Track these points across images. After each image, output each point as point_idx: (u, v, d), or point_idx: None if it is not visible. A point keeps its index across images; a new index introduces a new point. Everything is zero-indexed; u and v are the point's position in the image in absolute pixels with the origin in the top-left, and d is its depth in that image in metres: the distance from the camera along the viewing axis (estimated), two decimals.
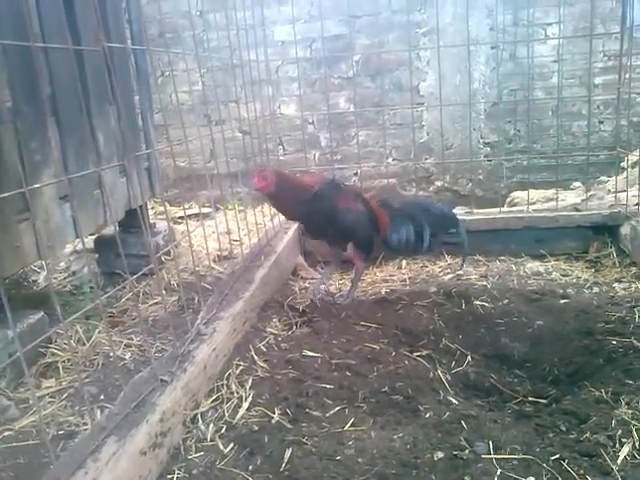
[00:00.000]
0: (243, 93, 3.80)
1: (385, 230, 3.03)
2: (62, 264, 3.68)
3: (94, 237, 3.47)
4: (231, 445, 1.89)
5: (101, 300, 1.77)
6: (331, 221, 2.87)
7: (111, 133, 3.08)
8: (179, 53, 4.59)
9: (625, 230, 3.40)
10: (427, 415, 2.01)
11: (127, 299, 3.06)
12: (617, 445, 1.73)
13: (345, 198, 2.92)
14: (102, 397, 2.23)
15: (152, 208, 4.79)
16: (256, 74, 3.87)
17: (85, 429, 1.94)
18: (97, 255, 3.43)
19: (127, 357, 2.50)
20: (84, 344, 2.61)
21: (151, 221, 3.68)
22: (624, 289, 2.97)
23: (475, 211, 3.87)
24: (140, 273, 2.08)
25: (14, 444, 1.97)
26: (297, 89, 5.15)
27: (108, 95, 3.01)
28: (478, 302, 2.90)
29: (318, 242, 3.32)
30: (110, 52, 2.00)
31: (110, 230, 3.30)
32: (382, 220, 3.04)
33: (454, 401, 2.10)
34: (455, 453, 1.78)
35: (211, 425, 1.99)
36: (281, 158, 5.31)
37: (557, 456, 1.71)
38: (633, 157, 3.99)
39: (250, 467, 1.79)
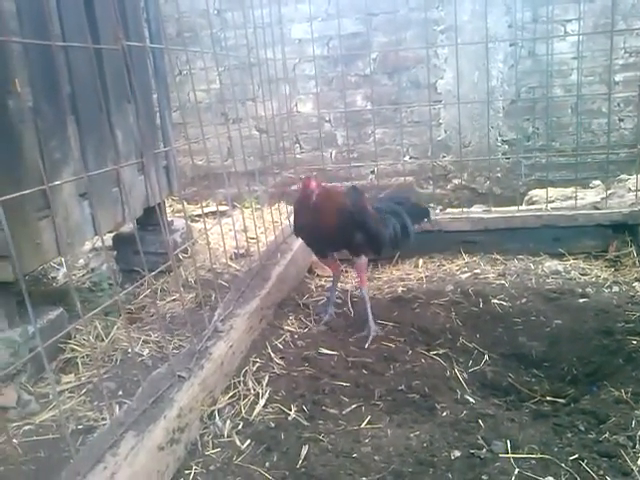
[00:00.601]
0: (260, 91, 3.81)
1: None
2: (81, 261, 3.73)
3: (112, 234, 3.50)
4: (248, 441, 1.90)
5: (119, 297, 1.79)
6: (362, 228, 2.68)
7: (129, 131, 3.11)
8: (197, 52, 4.60)
9: None
10: (444, 414, 2.01)
11: (145, 296, 3.09)
12: (637, 446, 1.71)
13: (367, 204, 2.79)
14: (120, 393, 2.25)
15: (170, 206, 4.82)
16: (273, 72, 3.88)
17: (104, 424, 1.96)
18: (115, 252, 3.46)
19: (145, 353, 2.52)
20: (103, 340, 2.64)
21: (169, 219, 3.70)
22: None
23: (493, 209, 3.84)
24: (158, 270, 2.10)
25: (34, 438, 2.00)
26: (314, 87, 5.15)
27: (127, 93, 3.04)
28: (496, 301, 2.88)
29: (322, 260, 3.10)
30: (129, 51, 2.02)
31: (128, 228, 3.33)
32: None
33: (471, 400, 2.10)
34: (472, 452, 1.77)
35: (228, 421, 2.00)
36: (298, 156, 5.31)
37: (576, 456, 1.70)
38: None
39: (267, 463, 1.80)
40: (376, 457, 1.79)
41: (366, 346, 2.54)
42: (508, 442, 1.79)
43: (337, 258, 3.00)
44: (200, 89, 5.01)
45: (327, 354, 2.48)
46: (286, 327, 2.74)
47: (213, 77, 4.78)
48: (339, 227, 2.61)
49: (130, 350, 2.50)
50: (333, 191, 2.80)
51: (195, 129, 2.55)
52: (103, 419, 2.05)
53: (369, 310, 2.70)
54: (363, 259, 2.79)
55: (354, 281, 3.41)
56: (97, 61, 2.79)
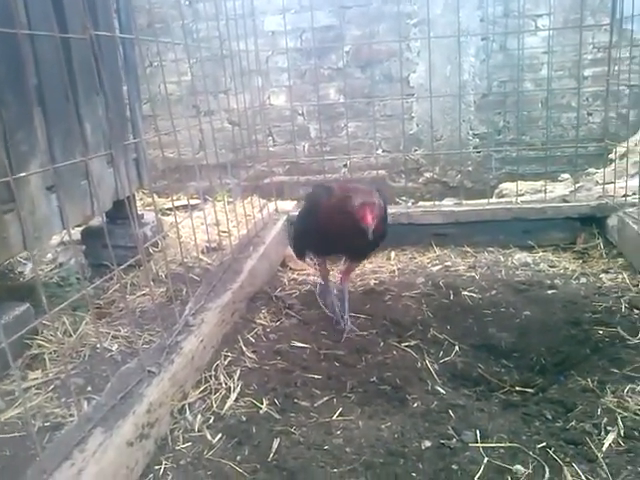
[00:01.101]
0: (232, 84, 3.78)
1: None
2: (49, 255, 3.66)
3: (81, 228, 3.44)
4: (219, 435, 1.89)
5: (87, 291, 1.76)
6: (382, 237, 2.46)
7: (98, 123, 3.05)
8: (168, 43, 4.55)
9: (612, 221, 3.42)
10: (415, 405, 2.02)
11: (115, 290, 3.04)
12: (602, 433, 1.74)
13: None
14: (89, 388, 2.21)
15: (140, 199, 4.76)
16: (246, 65, 3.86)
17: (71, 421, 1.93)
18: (84, 246, 3.40)
19: (114, 349, 2.49)
20: (71, 336, 2.59)
21: (139, 212, 3.65)
22: (611, 280, 2.98)
23: (464, 202, 3.88)
24: (127, 264, 2.07)
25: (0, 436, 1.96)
26: (287, 80, 5.14)
27: (96, 85, 2.98)
28: (466, 293, 2.91)
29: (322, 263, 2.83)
30: (97, 41, 1.99)
31: (98, 221, 3.27)
32: None
33: (442, 391, 2.11)
34: (442, 442, 1.79)
35: (199, 416, 1.99)
36: (270, 149, 5.29)
37: (543, 444, 1.73)
38: (621, 149, 4.01)
39: (238, 457, 1.79)
40: (347, 449, 1.79)
41: (342, 340, 2.51)
42: (478, 432, 1.81)
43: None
44: (171, 81, 4.94)
45: (299, 347, 2.48)
46: (258, 321, 2.73)
47: (184, 69, 4.72)
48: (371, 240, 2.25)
49: (99, 345, 2.46)
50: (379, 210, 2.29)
51: (166, 121, 2.51)
52: (71, 416, 2.01)
53: (347, 307, 2.67)
54: (356, 264, 2.72)
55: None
56: (65, 51, 2.71)
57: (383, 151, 5.47)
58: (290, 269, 3.50)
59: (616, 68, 4.12)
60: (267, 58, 5.34)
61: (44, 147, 2.64)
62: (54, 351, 2.46)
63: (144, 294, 3.00)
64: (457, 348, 2.43)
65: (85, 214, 2.97)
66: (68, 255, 3.54)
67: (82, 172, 2.88)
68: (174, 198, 4.71)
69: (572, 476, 1.58)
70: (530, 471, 1.62)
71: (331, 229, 2.35)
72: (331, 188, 2.50)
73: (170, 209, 4.45)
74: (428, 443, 1.79)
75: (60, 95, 2.69)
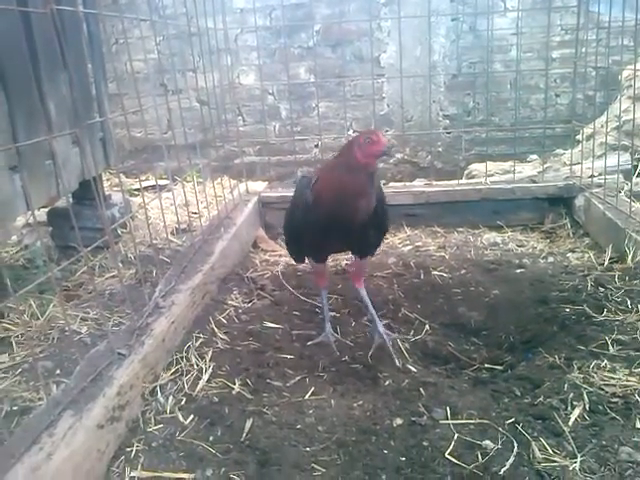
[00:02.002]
0: (201, 62, 3.71)
1: None
2: (14, 237, 3.57)
3: (47, 209, 3.36)
4: (191, 417, 1.88)
5: (54, 273, 1.72)
6: (382, 224, 2.31)
7: (63, 102, 2.96)
8: (133, 19, 4.43)
9: (579, 202, 3.48)
10: (386, 383, 2.04)
11: (83, 272, 2.99)
12: (569, 408, 1.79)
13: None
14: (58, 372, 2.18)
15: (108, 180, 4.66)
16: (214, 43, 3.78)
17: (40, 404, 1.90)
18: (50, 228, 3.33)
19: (83, 331, 2.45)
20: (38, 319, 2.54)
21: (107, 193, 3.58)
22: (577, 259, 3.05)
23: (434, 183, 3.90)
24: (94, 245, 2.03)
25: None
26: (256, 59, 5.07)
27: (59, 62, 2.89)
28: (436, 272, 2.94)
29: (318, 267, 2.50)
30: (60, 16, 1.92)
31: (64, 202, 3.20)
32: None
33: (413, 369, 2.14)
34: (414, 419, 1.81)
35: (170, 397, 1.97)
36: (241, 129, 5.23)
37: (512, 420, 1.76)
38: (588, 130, 4.07)
39: (210, 438, 1.79)
40: (320, 427, 1.80)
41: (391, 344, 2.26)
42: (448, 409, 1.84)
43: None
44: (137, 59, 4.83)
45: (272, 328, 2.48)
46: (230, 302, 2.72)
47: (151, 47, 4.62)
48: (367, 220, 2.09)
49: (67, 328, 2.42)
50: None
51: (133, 100, 2.46)
52: (39, 399, 1.98)
53: (374, 312, 2.36)
54: (368, 259, 2.44)
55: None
56: (25, 26, 2.63)
57: (354, 131, 5.45)
58: (262, 250, 3.48)
59: (583, 50, 4.17)
60: (236, 36, 5.25)
61: (5, 126, 2.55)
62: (21, 334, 2.42)
63: (113, 276, 2.96)
64: (427, 327, 2.46)
65: (50, 195, 2.89)
66: (34, 237, 3.46)
67: (46, 152, 2.80)
68: (142, 178, 4.64)
69: (540, 450, 1.62)
70: (499, 446, 1.65)
71: (328, 210, 2.09)
72: (311, 174, 2.30)
73: (138, 190, 4.38)
74: (399, 421, 1.82)
75: (22, 72, 2.60)
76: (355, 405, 1.91)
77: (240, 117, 5.43)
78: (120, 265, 3.05)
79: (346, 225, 2.10)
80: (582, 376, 1.93)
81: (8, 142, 2.49)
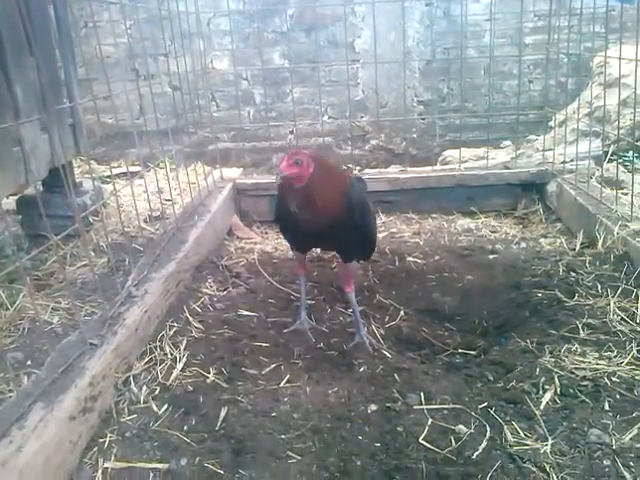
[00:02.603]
0: (173, 46, 3.65)
1: None
2: None
3: (16, 197, 3.29)
4: (165, 406, 1.87)
5: (22, 263, 1.69)
6: (361, 230, 2.19)
7: (30, 87, 2.89)
8: (103, 2, 4.33)
9: (551, 187, 3.52)
10: (361, 369, 2.05)
11: (54, 261, 2.94)
12: (540, 392, 1.82)
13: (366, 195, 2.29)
14: (28, 363, 2.14)
15: (78, 167, 4.58)
16: (186, 27, 3.71)
17: (10, 396, 1.87)
18: (20, 216, 3.26)
19: (55, 321, 2.41)
20: (8, 309, 2.49)
21: (77, 180, 3.52)
22: (549, 244, 3.09)
23: (409, 169, 3.91)
24: (64, 234, 1.99)
25: None
26: (230, 43, 5.00)
27: (26, 47, 2.82)
28: (411, 259, 2.95)
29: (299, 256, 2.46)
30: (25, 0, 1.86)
31: (34, 190, 3.13)
32: None
33: (387, 355, 2.15)
34: (388, 405, 1.83)
35: (144, 387, 1.96)
36: (214, 114, 5.17)
37: (485, 404, 1.79)
38: (560, 116, 4.11)
39: (185, 427, 1.78)
40: (295, 415, 1.80)
41: (372, 349, 2.20)
42: (422, 394, 1.86)
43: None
44: (107, 43, 4.73)
45: (247, 315, 2.47)
46: (204, 290, 2.70)
47: (121, 31, 4.53)
48: (334, 222, 2.05)
49: (38, 318, 2.38)
50: (333, 169, 2.23)
51: (103, 86, 2.41)
52: (10, 391, 1.94)
53: (359, 318, 2.31)
54: (355, 264, 2.35)
55: (272, 243, 3.39)
56: None
57: (329, 118, 5.43)
58: (237, 238, 3.46)
59: (556, 37, 4.20)
60: (208, 20, 5.17)
61: None
62: None
63: (84, 265, 2.91)
64: (402, 313, 2.48)
65: (18, 182, 2.83)
66: (2, 226, 3.38)
67: (14, 138, 2.73)
68: (113, 165, 4.57)
69: (512, 434, 1.64)
70: (472, 431, 1.67)
71: (285, 208, 2.09)
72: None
73: (109, 177, 4.30)
74: (374, 407, 1.83)
75: None
76: (330, 392, 1.91)
77: (214, 102, 5.37)
78: (92, 254, 3.00)
79: (303, 228, 2.10)
80: (553, 360, 1.96)
81: None
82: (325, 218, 2.04)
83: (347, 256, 2.28)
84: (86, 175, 4.39)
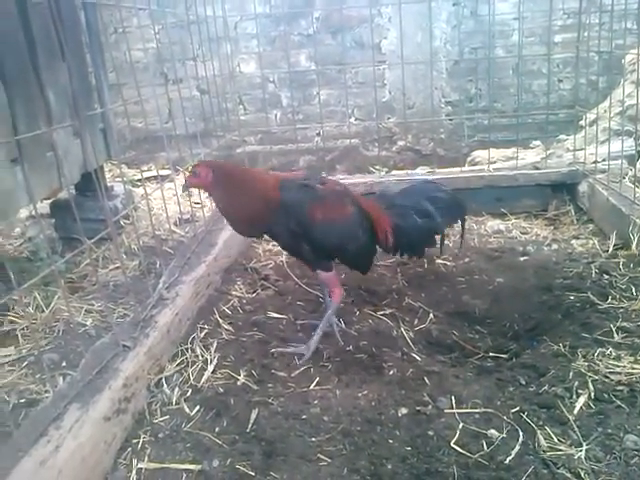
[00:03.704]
0: (201, 50, 3.69)
1: (386, 234, 2.34)
2: (17, 230, 3.57)
3: (50, 201, 3.36)
4: (197, 408, 1.89)
5: (57, 266, 1.72)
6: (305, 237, 2.16)
7: (62, 92, 2.95)
8: (132, 8, 4.40)
9: (583, 188, 3.46)
10: (391, 372, 2.04)
11: (87, 264, 2.99)
12: (574, 396, 1.79)
13: (324, 203, 2.17)
14: (63, 364, 2.19)
15: (109, 171, 4.65)
16: (214, 31, 3.75)
17: (46, 397, 1.91)
18: (54, 220, 3.33)
19: (88, 323, 2.46)
20: (43, 311, 2.55)
21: (108, 184, 3.57)
22: (581, 245, 3.04)
23: (437, 170, 3.88)
24: (97, 237, 2.03)
25: None
26: (256, 46, 5.02)
27: (58, 52, 2.88)
28: (440, 261, 2.94)
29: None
30: (57, 5, 1.90)
31: (66, 194, 3.19)
32: (381, 222, 2.34)
33: (417, 358, 2.14)
34: (418, 409, 1.82)
35: (176, 389, 1.98)
36: (242, 118, 5.20)
37: (517, 409, 1.77)
38: (591, 115, 4.04)
39: (217, 429, 1.80)
40: (325, 417, 1.81)
41: (299, 361, 2.15)
42: (453, 398, 1.85)
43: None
44: (137, 48, 4.80)
45: (276, 318, 2.48)
46: (234, 292, 2.72)
47: (150, 36, 4.59)
48: (264, 229, 2.19)
49: (72, 320, 2.43)
50: (243, 176, 2.17)
51: (133, 90, 2.44)
52: (46, 392, 1.99)
53: (324, 325, 2.26)
54: (322, 274, 2.27)
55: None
56: (22, 17, 2.61)
57: (356, 119, 5.42)
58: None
59: (586, 34, 4.13)
60: (235, 24, 5.21)
61: (5, 117, 2.54)
62: (26, 327, 2.43)
63: (116, 268, 2.96)
64: (432, 316, 2.46)
65: (52, 187, 2.89)
66: (37, 229, 3.45)
67: (47, 144, 2.79)
68: (144, 169, 4.63)
69: (545, 439, 1.62)
70: (504, 435, 1.66)
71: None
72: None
73: (140, 180, 4.37)
74: (404, 410, 1.82)
75: (20, 63, 2.59)
76: (360, 395, 1.91)
77: (241, 106, 5.40)
78: (123, 257, 3.05)
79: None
80: (587, 364, 1.93)
81: (8, 134, 2.48)
82: (241, 225, 2.20)
83: (310, 265, 2.29)
84: (117, 179, 4.46)
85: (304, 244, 2.17)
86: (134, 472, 1.63)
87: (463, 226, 2.63)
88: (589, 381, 1.83)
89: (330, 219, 2.17)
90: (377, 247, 2.40)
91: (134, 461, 1.67)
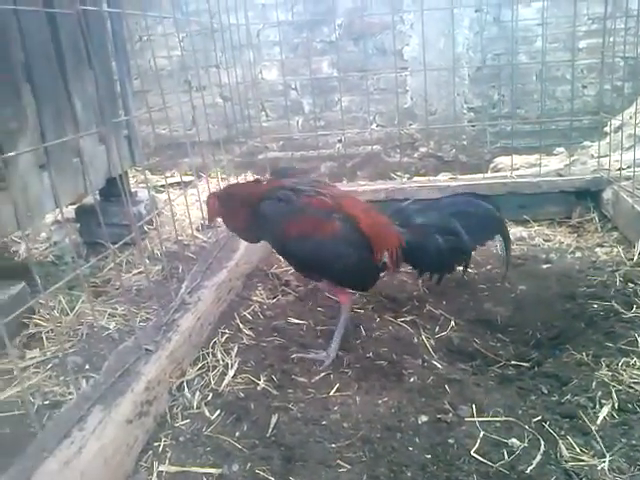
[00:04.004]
0: (224, 58, 3.73)
1: (388, 252, 2.22)
2: (43, 234, 3.63)
3: (75, 206, 3.42)
4: (217, 412, 1.91)
5: (82, 270, 1.75)
6: (282, 252, 2.24)
7: (89, 100, 3.00)
8: (156, 17, 4.46)
9: (607, 195, 3.42)
10: (411, 380, 2.04)
11: (110, 269, 3.04)
12: (597, 406, 1.77)
13: (301, 218, 2.09)
14: (87, 367, 2.22)
15: (133, 177, 4.72)
16: (237, 38, 3.79)
17: (70, 399, 1.94)
18: (78, 225, 3.38)
19: (111, 327, 2.49)
20: (67, 314, 2.59)
21: (132, 190, 3.63)
22: (606, 254, 3.00)
23: (459, 177, 3.87)
24: (121, 242, 2.06)
25: None
26: (279, 54, 5.06)
27: (85, 61, 2.93)
28: (461, 268, 2.91)
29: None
30: (85, 15, 1.94)
31: (91, 199, 3.25)
32: (381, 240, 2.21)
33: (438, 365, 2.13)
34: (439, 416, 1.81)
35: (197, 393, 2.00)
36: (264, 124, 5.24)
37: (539, 418, 1.75)
38: (616, 122, 3.99)
39: (237, 433, 1.81)
40: (345, 424, 1.81)
41: (319, 367, 2.15)
42: (474, 406, 1.83)
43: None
44: (161, 56, 4.86)
45: (296, 323, 2.49)
46: (255, 298, 2.74)
47: (174, 43, 4.65)
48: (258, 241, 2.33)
49: (96, 324, 2.46)
50: (239, 192, 2.26)
51: (157, 97, 2.48)
52: (70, 394, 2.02)
53: (340, 332, 2.23)
54: (324, 284, 2.30)
55: None
56: (51, 26, 2.67)
57: (377, 125, 5.42)
58: None
59: (611, 40, 4.08)
60: (258, 32, 5.25)
61: (34, 124, 2.60)
62: (51, 330, 2.47)
63: (140, 272, 3.00)
64: (453, 323, 2.45)
65: (78, 192, 2.94)
66: (62, 233, 3.51)
67: (73, 150, 2.85)
68: (167, 175, 4.68)
69: (567, 449, 1.60)
70: (526, 444, 1.64)
71: None
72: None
73: (163, 186, 4.42)
74: (425, 418, 1.82)
75: (49, 72, 2.64)
76: (380, 402, 1.91)
77: (263, 112, 5.44)
78: (147, 261, 3.09)
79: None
80: (611, 374, 1.90)
81: (36, 140, 2.53)
82: (243, 233, 2.35)
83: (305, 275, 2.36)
84: (141, 185, 4.52)
85: (284, 254, 2.24)
86: (155, 475, 1.65)
87: (507, 247, 2.45)
88: (613, 391, 1.81)
89: (305, 235, 2.08)
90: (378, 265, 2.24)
91: (155, 464, 1.69)
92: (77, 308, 2.62)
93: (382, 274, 2.34)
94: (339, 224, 2.12)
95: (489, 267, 2.93)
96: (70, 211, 3.45)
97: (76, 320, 2.55)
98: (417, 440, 1.72)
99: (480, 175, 3.85)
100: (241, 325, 2.45)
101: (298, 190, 2.14)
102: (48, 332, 2.46)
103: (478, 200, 2.42)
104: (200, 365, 2.16)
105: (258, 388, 2.03)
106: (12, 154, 2.14)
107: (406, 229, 2.30)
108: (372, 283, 2.33)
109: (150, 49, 3.82)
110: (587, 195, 3.55)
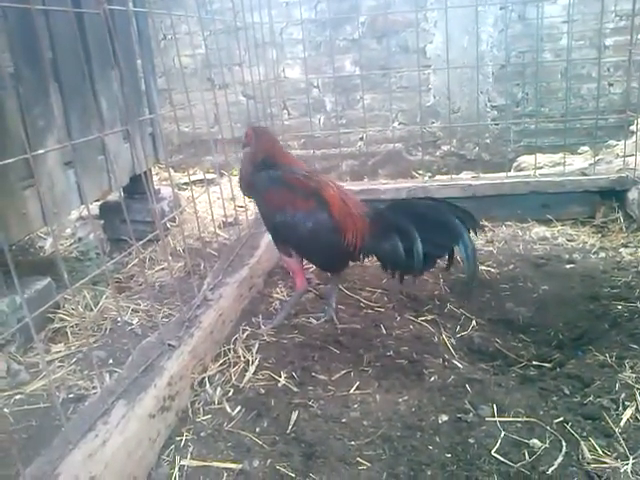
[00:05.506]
0: (247, 56, 3.75)
1: (354, 240, 2.31)
2: (68, 230, 3.70)
3: (99, 203, 3.47)
4: (238, 408, 1.92)
5: (107, 266, 1.78)
6: (260, 213, 2.53)
7: (114, 98, 3.05)
8: (181, 16, 4.50)
9: (633, 195, 3.37)
10: (432, 379, 2.03)
11: (134, 265, 3.08)
12: (620, 408, 1.75)
13: (281, 190, 2.35)
14: (111, 361, 2.26)
15: (157, 174, 4.78)
16: (260, 36, 3.80)
17: (94, 393, 1.97)
18: (103, 221, 3.43)
19: (135, 322, 2.53)
20: (92, 310, 2.64)
21: (156, 187, 3.67)
22: (630, 254, 2.96)
23: (482, 176, 3.84)
24: (145, 239, 2.09)
25: (25, 407, 2.01)
26: (302, 52, 5.07)
27: (110, 59, 2.98)
28: (484, 267, 2.90)
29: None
30: (111, 15, 1.97)
31: (115, 196, 3.29)
32: (349, 227, 2.31)
33: (459, 365, 2.12)
34: (459, 416, 1.80)
35: (218, 388, 2.02)
36: (286, 122, 5.25)
37: (561, 419, 1.73)
38: None
39: (257, 429, 1.82)
40: (365, 422, 1.81)
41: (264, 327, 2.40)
42: (495, 406, 1.82)
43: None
44: (185, 54, 4.91)
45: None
46: (276, 295, 2.75)
47: (198, 42, 4.69)
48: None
49: (119, 319, 2.50)
50: (266, 141, 2.52)
51: (181, 95, 2.50)
52: (94, 388, 2.06)
53: (286, 310, 2.50)
54: (284, 258, 2.50)
55: None
56: (79, 26, 2.72)
57: (399, 124, 5.40)
58: None
59: (639, 37, 4.02)
60: (281, 30, 5.27)
61: (61, 122, 2.65)
62: (76, 325, 2.51)
63: (163, 269, 3.04)
64: (474, 322, 2.44)
65: (103, 189, 2.99)
66: (87, 230, 3.57)
67: (99, 147, 2.89)
68: (190, 173, 4.73)
69: (589, 451, 1.59)
70: (547, 445, 1.63)
71: None
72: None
73: (186, 184, 4.46)
74: (445, 417, 1.81)
75: (76, 70, 2.69)
76: (400, 400, 1.91)
77: (285, 111, 5.46)
78: (170, 258, 3.12)
79: None
80: (634, 376, 1.88)
81: (63, 138, 2.58)
82: (241, 181, 2.53)
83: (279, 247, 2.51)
84: (164, 182, 4.57)
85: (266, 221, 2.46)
86: (177, 469, 1.67)
87: (451, 258, 2.30)
88: (637, 393, 1.79)
89: (283, 206, 2.34)
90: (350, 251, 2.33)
91: (177, 458, 1.71)
92: (101, 303, 2.67)
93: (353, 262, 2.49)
94: (313, 203, 2.32)
95: (511, 267, 2.91)
96: (94, 208, 3.50)
97: (100, 315, 2.60)
98: (437, 439, 1.72)
99: (503, 174, 3.81)
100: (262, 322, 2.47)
101: (290, 171, 2.41)
102: (73, 327, 2.51)
103: (443, 207, 2.27)
104: (221, 361, 2.18)
105: (279, 385, 2.04)
106: (40, 152, 2.18)
107: (373, 223, 2.34)
108: (340, 265, 2.50)
109: (174, 47, 3.85)
110: (612, 195, 3.51)
